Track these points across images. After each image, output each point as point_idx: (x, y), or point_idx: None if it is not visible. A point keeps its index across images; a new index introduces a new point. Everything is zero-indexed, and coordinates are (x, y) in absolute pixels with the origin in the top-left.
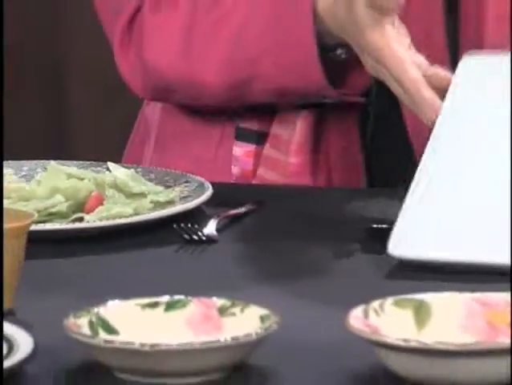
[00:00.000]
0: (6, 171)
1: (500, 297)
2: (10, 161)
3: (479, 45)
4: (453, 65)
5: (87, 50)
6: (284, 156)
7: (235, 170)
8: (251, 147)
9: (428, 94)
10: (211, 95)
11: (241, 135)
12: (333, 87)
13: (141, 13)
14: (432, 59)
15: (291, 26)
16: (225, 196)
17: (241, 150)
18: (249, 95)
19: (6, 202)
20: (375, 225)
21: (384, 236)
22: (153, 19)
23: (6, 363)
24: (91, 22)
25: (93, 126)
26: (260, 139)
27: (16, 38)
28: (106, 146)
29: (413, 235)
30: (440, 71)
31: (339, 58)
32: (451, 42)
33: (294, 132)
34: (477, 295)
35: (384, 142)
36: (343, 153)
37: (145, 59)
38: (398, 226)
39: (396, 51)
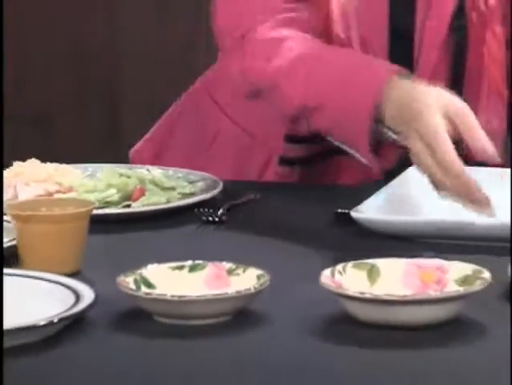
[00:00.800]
0: (76, 171)
1: (429, 262)
2: (78, 164)
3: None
4: None
5: (138, 82)
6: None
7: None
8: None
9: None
10: (289, 107)
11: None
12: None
13: (255, 31)
14: None
15: (358, 93)
16: (232, 190)
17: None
18: (311, 119)
19: (74, 194)
20: (340, 210)
21: (346, 218)
22: (267, 35)
23: (74, 310)
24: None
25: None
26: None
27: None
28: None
29: (367, 207)
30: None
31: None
32: None
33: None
34: (413, 260)
35: None
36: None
37: (249, 68)
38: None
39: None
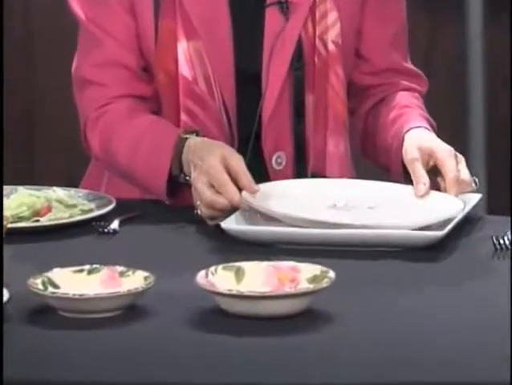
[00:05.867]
0: None
1: (285, 264)
2: None
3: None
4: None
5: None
6: None
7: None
8: None
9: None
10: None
11: None
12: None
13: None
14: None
15: (155, 161)
16: (122, 206)
17: None
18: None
19: None
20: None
21: (219, 228)
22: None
23: None
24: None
25: (51, 162)
26: None
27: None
28: (59, 176)
29: (233, 220)
30: None
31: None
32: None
33: None
34: (272, 263)
35: None
36: None
37: (90, 144)
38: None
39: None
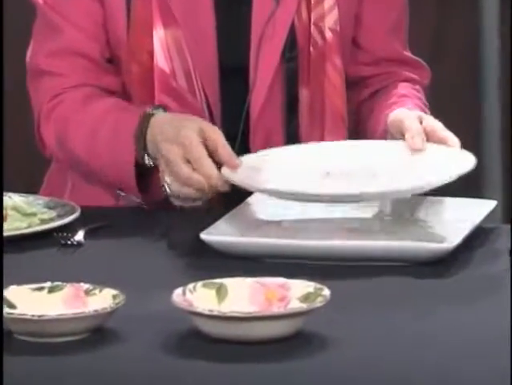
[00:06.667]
0: None
1: (273, 281)
2: None
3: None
4: None
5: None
6: None
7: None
8: None
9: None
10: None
11: None
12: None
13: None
14: None
15: (120, 148)
16: (88, 215)
17: None
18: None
19: None
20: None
21: (200, 239)
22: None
23: None
24: None
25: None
26: None
27: None
28: (16, 181)
29: (214, 230)
30: None
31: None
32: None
33: None
34: (258, 279)
35: None
36: None
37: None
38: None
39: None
